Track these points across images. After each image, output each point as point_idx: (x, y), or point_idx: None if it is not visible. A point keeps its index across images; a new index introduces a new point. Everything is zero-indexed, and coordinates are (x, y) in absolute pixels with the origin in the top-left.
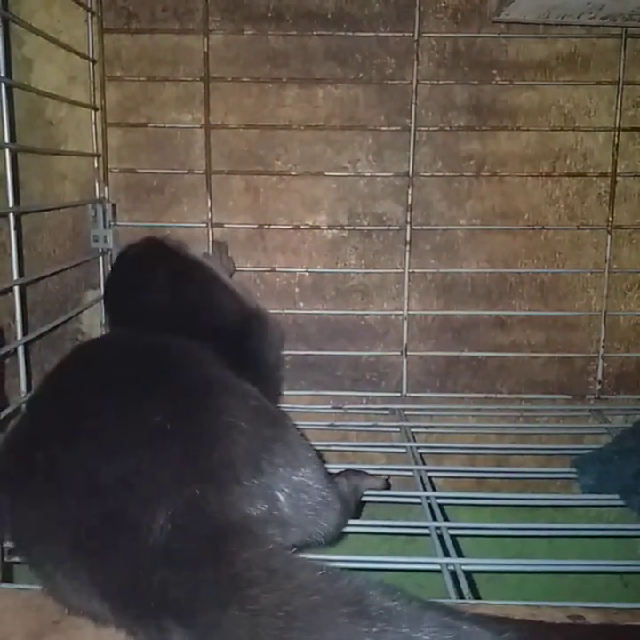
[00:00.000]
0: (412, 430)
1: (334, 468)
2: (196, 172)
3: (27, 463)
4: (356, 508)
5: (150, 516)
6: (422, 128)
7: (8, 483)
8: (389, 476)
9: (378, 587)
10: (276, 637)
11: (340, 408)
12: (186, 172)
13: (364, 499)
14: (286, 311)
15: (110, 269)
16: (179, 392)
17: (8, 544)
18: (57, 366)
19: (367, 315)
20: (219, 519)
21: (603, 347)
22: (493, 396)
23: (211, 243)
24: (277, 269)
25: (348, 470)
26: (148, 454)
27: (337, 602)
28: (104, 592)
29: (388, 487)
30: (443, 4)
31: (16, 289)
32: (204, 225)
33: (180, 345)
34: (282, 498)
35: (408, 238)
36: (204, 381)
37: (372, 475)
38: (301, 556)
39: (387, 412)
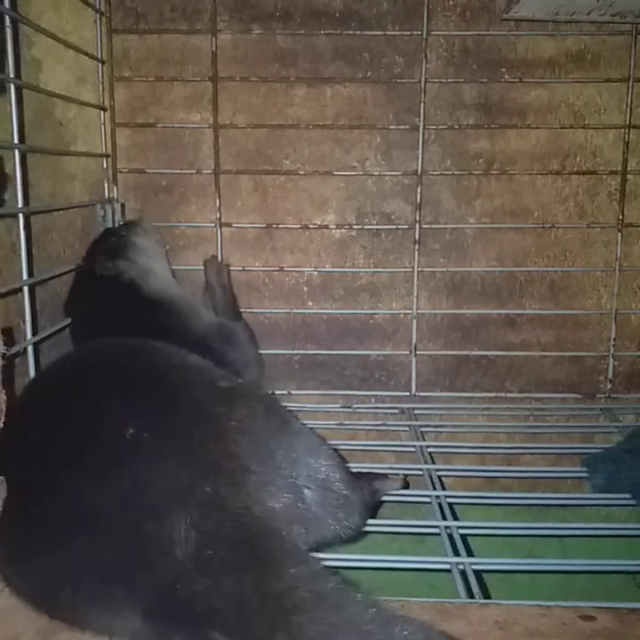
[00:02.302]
0: (422, 429)
1: None
2: (204, 171)
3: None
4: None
5: (168, 527)
6: (431, 127)
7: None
8: (405, 475)
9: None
10: None
11: (349, 407)
12: (194, 171)
13: None
14: (295, 311)
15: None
16: (148, 395)
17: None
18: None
19: (376, 314)
20: (243, 516)
21: (613, 345)
22: (503, 395)
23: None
24: (286, 269)
25: (368, 473)
26: (138, 468)
27: None
28: (146, 610)
29: (406, 486)
30: (451, 2)
31: (25, 289)
32: (213, 225)
33: (152, 346)
34: (307, 492)
35: (417, 237)
36: (170, 378)
37: (389, 477)
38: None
39: (396, 411)
